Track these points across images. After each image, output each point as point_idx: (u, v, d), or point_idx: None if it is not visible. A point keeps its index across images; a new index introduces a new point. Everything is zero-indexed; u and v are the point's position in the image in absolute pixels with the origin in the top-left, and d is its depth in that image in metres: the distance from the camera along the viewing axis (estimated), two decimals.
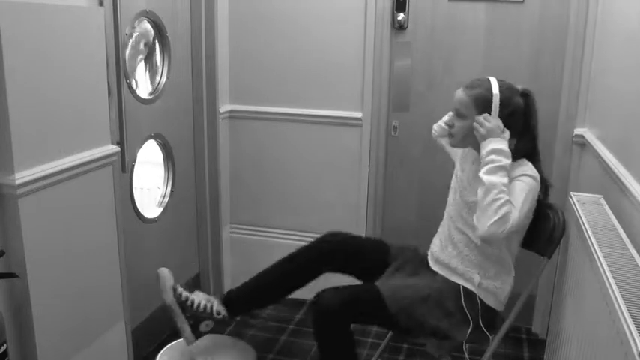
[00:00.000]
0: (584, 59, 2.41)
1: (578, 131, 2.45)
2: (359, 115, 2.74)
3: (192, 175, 2.79)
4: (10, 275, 1.44)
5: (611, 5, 2.15)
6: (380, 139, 2.77)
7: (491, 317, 1.83)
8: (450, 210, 1.94)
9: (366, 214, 2.83)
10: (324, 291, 1.77)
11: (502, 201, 1.64)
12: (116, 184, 1.90)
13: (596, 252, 1.44)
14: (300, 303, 2.96)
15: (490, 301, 1.82)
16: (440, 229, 2.00)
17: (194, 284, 2.88)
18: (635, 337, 1.04)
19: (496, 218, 1.63)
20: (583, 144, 2.42)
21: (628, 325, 1.08)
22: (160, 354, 1.80)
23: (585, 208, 1.78)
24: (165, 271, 1.93)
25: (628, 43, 1.85)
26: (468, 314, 1.78)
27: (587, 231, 1.58)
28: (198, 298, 1.92)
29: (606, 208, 1.78)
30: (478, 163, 1.78)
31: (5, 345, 1.37)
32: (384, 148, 2.79)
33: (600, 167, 2.02)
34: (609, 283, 1.27)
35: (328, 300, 1.74)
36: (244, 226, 3.02)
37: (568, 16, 2.43)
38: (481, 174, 1.69)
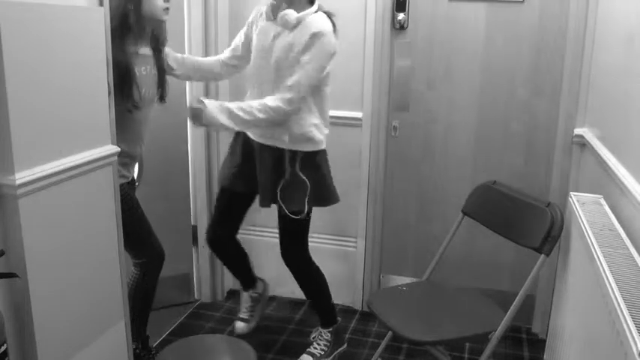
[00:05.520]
0: (584, 59, 2.41)
1: (578, 131, 2.45)
2: (359, 115, 2.74)
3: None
4: (10, 275, 1.44)
5: (611, 5, 2.14)
6: (380, 139, 2.77)
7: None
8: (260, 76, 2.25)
9: (366, 214, 2.83)
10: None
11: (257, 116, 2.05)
12: (116, 184, 1.90)
13: (596, 252, 1.44)
14: (300, 303, 2.97)
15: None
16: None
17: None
18: (635, 337, 1.04)
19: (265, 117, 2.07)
20: (583, 144, 2.42)
21: (628, 325, 1.08)
22: (160, 354, 1.79)
23: (585, 208, 1.78)
24: None
25: (627, 43, 1.85)
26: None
27: (587, 231, 1.58)
28: None
29: (606, 208, 1.78)
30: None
31: (5, 345, 1.37)
32: (384, 148, 2.79)
33: (600, 167, 2.02)
34: (609, 283, 1.27)
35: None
36: (244, 226, 3.01)
37: (568, 16, 2.43)
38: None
